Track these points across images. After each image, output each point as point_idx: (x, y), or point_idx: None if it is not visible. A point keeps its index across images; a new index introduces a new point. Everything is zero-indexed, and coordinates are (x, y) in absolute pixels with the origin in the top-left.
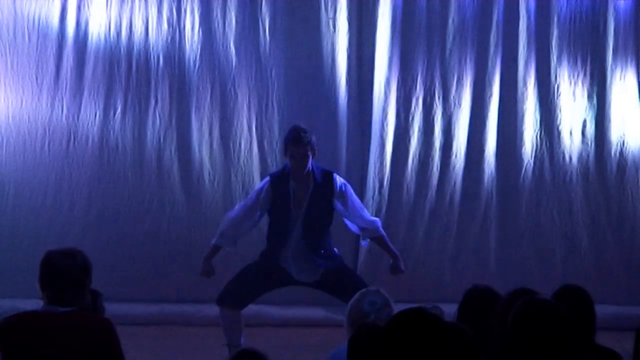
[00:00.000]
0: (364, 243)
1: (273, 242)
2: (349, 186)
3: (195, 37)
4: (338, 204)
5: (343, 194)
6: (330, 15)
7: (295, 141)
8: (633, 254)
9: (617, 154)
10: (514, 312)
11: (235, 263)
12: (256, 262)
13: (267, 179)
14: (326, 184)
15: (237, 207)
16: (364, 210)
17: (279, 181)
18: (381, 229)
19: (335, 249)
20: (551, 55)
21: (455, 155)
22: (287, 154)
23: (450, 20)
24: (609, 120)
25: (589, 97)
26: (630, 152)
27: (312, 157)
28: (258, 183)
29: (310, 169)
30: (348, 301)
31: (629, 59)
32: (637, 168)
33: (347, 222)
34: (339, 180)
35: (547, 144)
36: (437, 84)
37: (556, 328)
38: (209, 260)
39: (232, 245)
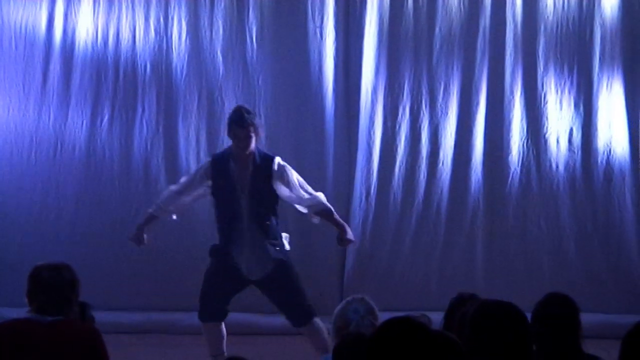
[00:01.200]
0: (315, 220)
1: (223, 229)
2: (289, 167)
3: (183, 46)
4: (279, 186)
5: (282, 175)
6: (318, 23)
7: (238, 122)
8: (620, 262)
9: (604, 162)
10: (472, 315)
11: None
12: (212, 264)
13: (209, 158)
14: (265, 166)
15: (179, 181)
16: (307, 187)
17: (219, 161)
18: (325, 202)
19: (285, 239)
20: (538, 64)
21: (442, 163)
22: (230, 135)
23: (437, 29)
24: (596, 129)
25: (576, 105)
26: (616, 160)
27: (256, 140)
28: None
29: (253, 151)
30: (282, 311)
31: (616, 67)
32: (623, 176)
33: (295, 204)
34: (277, 161)
35: (534, 152)
36: (424, 92)
37: (515, 328)
38: (142, 227)
39: (167, 215)
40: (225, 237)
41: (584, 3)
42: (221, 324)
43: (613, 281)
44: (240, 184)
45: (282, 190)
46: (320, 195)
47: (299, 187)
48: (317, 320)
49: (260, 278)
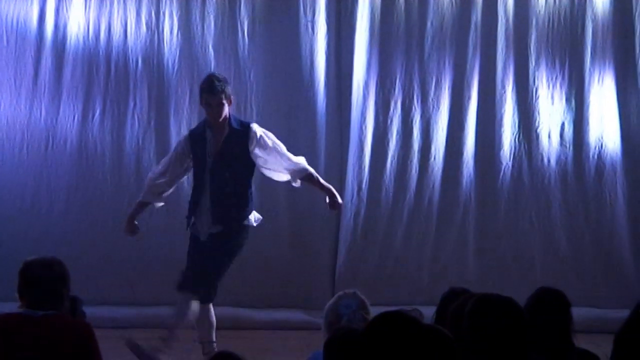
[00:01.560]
0: (296, 184)
1: (192, 196)
2: (268, 132)
3: (174, 40)
4: (257, 151)
5: (262, 140)
6: (309, 17)
7: (209, 90)
8: (611, 257)
9: (595, 157)
10: (470, 309)
11: None
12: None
13: (187, 131)
14: (243, 132)
15: (161, 162)
16: (287, 152)
17: (196, 132)
18: (308, 166)
19: (251, 214)
20: (529, 58)
21: (434, 158)
22: (202, 103)
23: (428, 23)
24: (587, 123)
25: (567, 100)
26: (608, 154)
27: (229, 106)
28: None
29: (228, 117)
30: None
31: (607, 62)
32: (615, 171)
33: (273, 172)
34: (257, 128)
35: (526, 146)
36: (415, 87)
37: (513, 322)
38: (133, 217)
39: (157, 199)
40: (191, 204)
41: None
42: (206, 307)
43: (604, 275)
44: (212, 150)
45: (260, 157)
46: (302, 160)
47: (281, 152)
48: (211, 308)
49: (206, 238)
